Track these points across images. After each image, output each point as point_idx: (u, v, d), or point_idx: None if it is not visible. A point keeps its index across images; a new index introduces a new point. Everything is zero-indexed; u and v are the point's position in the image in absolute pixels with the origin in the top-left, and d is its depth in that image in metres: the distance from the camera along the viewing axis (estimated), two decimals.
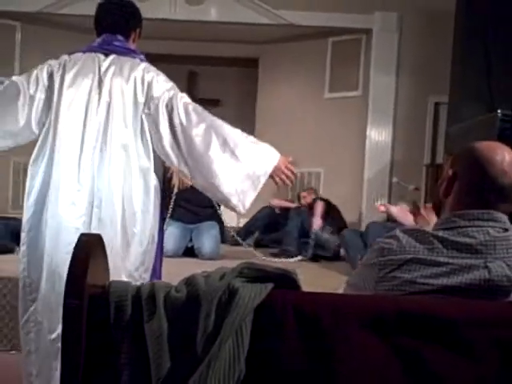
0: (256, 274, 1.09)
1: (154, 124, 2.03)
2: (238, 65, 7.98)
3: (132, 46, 2.22)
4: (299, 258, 5.02)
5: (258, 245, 5.67)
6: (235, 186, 2.02)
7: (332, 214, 5.65)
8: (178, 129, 2.02)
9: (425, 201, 6.35)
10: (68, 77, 2.05)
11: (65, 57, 2.12)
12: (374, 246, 1.29)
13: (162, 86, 2.06)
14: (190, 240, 5.15)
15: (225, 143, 2.01)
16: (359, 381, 1.04)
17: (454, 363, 1.05)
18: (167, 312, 1.04)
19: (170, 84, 2.10)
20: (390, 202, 6.68)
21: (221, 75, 8.18)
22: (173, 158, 2.04)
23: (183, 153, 2.03)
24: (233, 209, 2.07)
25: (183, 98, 2.07)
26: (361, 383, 1.04)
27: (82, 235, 1.09)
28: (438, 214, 1.36)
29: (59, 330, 1.91)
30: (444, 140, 5.79)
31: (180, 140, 2.02)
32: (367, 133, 6.70)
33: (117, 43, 2.15)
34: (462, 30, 5.27)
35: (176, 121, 2.02)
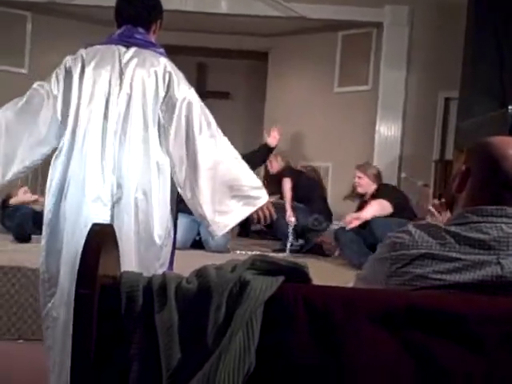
0: (267, 267, 1.09)
1: (168, 123, 2.04)
2: (247, 58, 7.95)
3: (152, 38, 2.21)
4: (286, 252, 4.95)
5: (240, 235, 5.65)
6: (216, 208, 2.06)
7: (300, 183, 5.48)
8: (191, 142, 2.04)
9: (433, 197, 6.33)
10: (88, 69, 2.05)
11: (82, 51, 2.12)
12: (385, 241, 1.28)
13: (183, 88, 2.07)
14: (198, 233, 5.16)
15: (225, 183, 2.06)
16: (369, 375, 1.04)
17: (464, 358, 1.05)
18: (178, 303, 1.04)
19: (190, 88, 2.10)
20: None
21: (230, 68, 8.16)
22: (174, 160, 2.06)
23: (186, 162, 2.05)
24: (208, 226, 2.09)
25: (202, 110, 2.08)
26: (370, 377, 1.04)
27: (94, 225, 1.10)
28: (451, 210, 1.35)
29: None
30: (454, 136, 5.76)
31: (188, 151, 2.04)
32: (376, 128, 6.68)
33: (138, 36, 2.15)
34: (473, 25, 5.23)
35: (190, 134, 2.04)
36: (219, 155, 2.06)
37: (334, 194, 7.13)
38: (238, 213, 2.09)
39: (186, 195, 2.06)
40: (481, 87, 5.04)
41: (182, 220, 4.96)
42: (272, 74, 7.55)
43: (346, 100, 6.91)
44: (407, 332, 1.05)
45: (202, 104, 2.11)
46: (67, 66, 2.08)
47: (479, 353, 1.04)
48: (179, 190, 2.08)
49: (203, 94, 5.80)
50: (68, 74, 2.07)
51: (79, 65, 2.06)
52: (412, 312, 1.06)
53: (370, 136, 6.75)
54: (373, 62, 6.78)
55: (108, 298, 1.04)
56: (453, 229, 1.23)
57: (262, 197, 2.12)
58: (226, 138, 2.12)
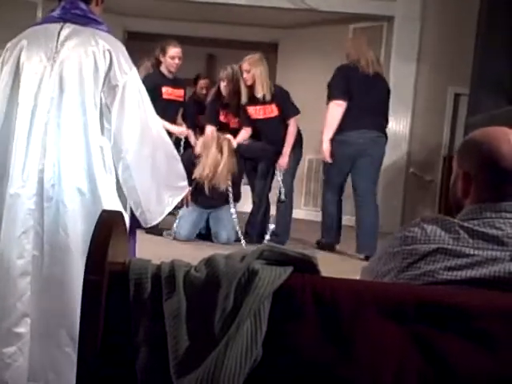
0: (276, 257, 1.08)
1: (110, 105, 1.96)
2: (257, 49, 7.92)
3: (96, 11, 2.09)
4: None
5: None
6: (152, 197, 2.05)
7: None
8: (132, 127, 1.98)
9: (440, 192, 6.32)
10: (22, 53, 1.96)
11: (18, 36, 2.03)
12: (396, 234, 1.27)
13: (124, 69, 1.98)
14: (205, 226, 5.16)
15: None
16: (376, 368, 1.04)
17: (473, 354, 1.04)
18: (186, 291, 1.04)
19: (132, 69, 2.01)
20: (406, 192, 6.65)
21: (240, 59, 8.12)
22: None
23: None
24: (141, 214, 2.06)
25: (142, 93, 2.01)
26: (378, 371, 1.04)
27: (104, 211, 1.09)
28: (456, 213, 1.34)
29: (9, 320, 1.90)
30: (463, 132, 5.74)
31: (129, 136, 1.98)
32: None
33: (77, 11, 2.02)
34: (485, 20, 5.20)
35: (131, 118, 1.97)
36: (157, 142, 2.04)
37: None
38: (169, 202, 2.10)
39: (121, 179, 2.00)
40: (491, 83, 5.02)
41: (190, 213, 4.97)
42: (281, 65, 7.54)
43: None
44: (416, 326, 1.05)
45: (142, 87, 2.03)
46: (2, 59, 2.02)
47: (489, 349, 1.03)
48: (116, 170, 2.00)
49: (212, 85, 5.81)
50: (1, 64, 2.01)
51: (9, 52, 2.00)
52: (421, 306, 1.05)
53: None
54: (383, 56, 6.76)
55: (116, 284, 1.04)
56: (466, 224, 1.22)
57: (186, 187, 2.20)
58: (159, 122, 2.10)
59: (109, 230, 1.04)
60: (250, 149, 5.11)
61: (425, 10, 6.49)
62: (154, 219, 2.07)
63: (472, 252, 1.17)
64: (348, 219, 7.06)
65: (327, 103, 4.84)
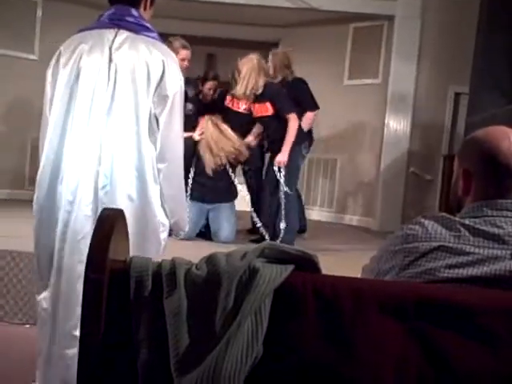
0: (277, 255, 1.08)
1: (159, 115, 1.97)
2: (257, 48, 7.91)
3: (145, 16, 2.08)
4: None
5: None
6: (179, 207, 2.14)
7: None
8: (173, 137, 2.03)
9: (441, 191, 6.32)
10: (70, 58, 1.95)
11: (66, 42, 2.02)
12: (397, 232, 1.28)
13: (175, 79, 1.98)
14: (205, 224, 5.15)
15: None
16: (377, 365, 1.04)
17: (473, 352, 1.04)
18: (187, 289, 1.04)
19: (181, 79, 2.02)
20: (406, 191, 6.65)
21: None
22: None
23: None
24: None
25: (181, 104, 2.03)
26: (378, 368, 1.04)
27: (105, 209, 1.10)
28: (457, 213, 1.35)
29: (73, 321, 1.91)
30: (463, 131, 5.74)
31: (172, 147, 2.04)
32: (385, 121, 6.66)
33: (130, 19, 2.00)
34: (485, 19, 5.20)
35: (174, 128, 2.01)
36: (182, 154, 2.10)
37: (341, 186, 7.14)
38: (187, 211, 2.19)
39: (162, 187, 2.03)
40: (491, 82, 5.02)
41: (192, 209, 4.97)
42: None
43: (355, 93, 6.89)
44: (416, 324, 1.05)
45: (183, 99, 2.05)
46: (55, 59, 2.00)
47: (489, 347, 1.04)
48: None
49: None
50: (53, 72, 2.00)
51: (60, 57, 1.98)
52: (422, 304, 1.06)
53: (379, 129, 6.74)
54: (383, 55, 6.76)
55: (117, 282, 1.04)
56: (467, 222, 1.22)
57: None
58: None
59: (110, 227, 1.04)
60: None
61: (425, 9, 6.48)
62: (186, 226, 2.21)
63: (473, 250, 1.18)
64: (353, 219, 7.07)
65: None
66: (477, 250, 1.17)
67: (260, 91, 4.84)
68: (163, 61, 1.96)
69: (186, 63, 5.15)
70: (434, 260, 1.18)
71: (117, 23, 1.99)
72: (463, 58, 5.85)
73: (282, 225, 4.78)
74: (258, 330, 1.02)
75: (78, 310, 1.86)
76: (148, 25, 2.06)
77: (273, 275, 1.04)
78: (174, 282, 1.05)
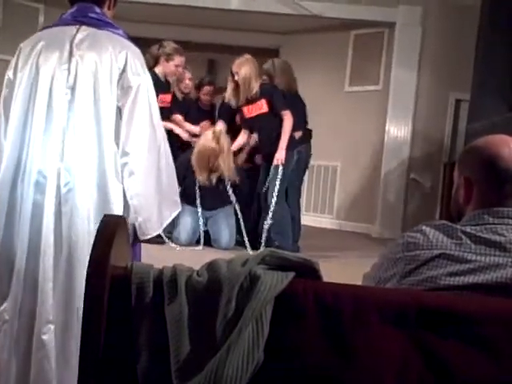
0: (278, 262, 1.08)
1: (122, 108, 1.92)
2: (258, 55, 7.94)
3: (108, 14, 2.05)
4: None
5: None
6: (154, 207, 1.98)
7: None
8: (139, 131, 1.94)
9: (441, 198, 6.32)
10: (27, 57, 1.94)
11: (26, 40, 2.01)
12: (398, 240, 1.28)
13: (138, 72, 1.94)
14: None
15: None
16: (378, 373, 1.04)
17: (475, 360, 1.04)
18: (188, 296, 1.04)
19: (145, 73, 1.98)
20: (406, 199, 6.65)
21: None
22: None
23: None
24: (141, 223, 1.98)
25: (151, 98, 1.98)
26: (379, 376, 1.04)
27: (106, 216, 1.09)
28: (459, 221, 1.35)
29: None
30: (464, 138, 5.75)
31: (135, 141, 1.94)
32: (386, 128, 6.67)
33: (93, 15, 1.97)
34: (486, 26, 5.22)
35: (139, 122, 1.93)
36: (161, 150, 1.99)
37: (342, 193, 7.14)
38: (167, 215, 2.03)
39: (125, 184, 1.94)
40: (492, 89, 5.03)
41: (188, 216, 4.96)
42: None
43: (356, 99, 6.90)
44: (418, 332, 1.05)
45: (153, 92, 1.99)
46: (15, 58, 2.00)
47: (490, 355, 1.03)
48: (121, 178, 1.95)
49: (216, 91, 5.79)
50: (14, 71, 1.98)
51: (19, 55, 1.97)
52: (423, 312, 1.05)
53: (380, 136, 6.74)
54: (384, 61, 6.78)
55: (118, 289, 1.04)
56: (468, 229, 1.22)
57: (179, 202, 2.12)
58: (163, 130, 2.05)
59: (111, 234, 1.04)
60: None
61: (426, 16, 6.50)
62: (154, 230, 1.99)
63: (474, 258, 1.18)
64: (353, 225, 7.06)
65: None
66: (478, 258, 1.17)
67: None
68: (126, 53, 1.93)
69: (180, 70, 5.04)
70: (436, 268, 1.18)
71: (79, 20, 1.97)
72: (464, 65, 5.86)
73: (267, 223, 4.78)
74: (258, 337, 1.01)
75: (43, 312, 1.85)
76: (113, 22, 2.03)
77: (274, 282, 1.04)
78: (175, 289, 1.05)
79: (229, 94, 5.04)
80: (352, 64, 7.01)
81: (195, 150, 4.86)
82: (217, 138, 4.82)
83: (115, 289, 1.04)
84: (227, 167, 4.81)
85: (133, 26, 7.34)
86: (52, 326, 1.88)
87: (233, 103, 5.08)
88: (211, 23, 7.12)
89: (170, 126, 5.00)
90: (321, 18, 6.53)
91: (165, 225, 2.05)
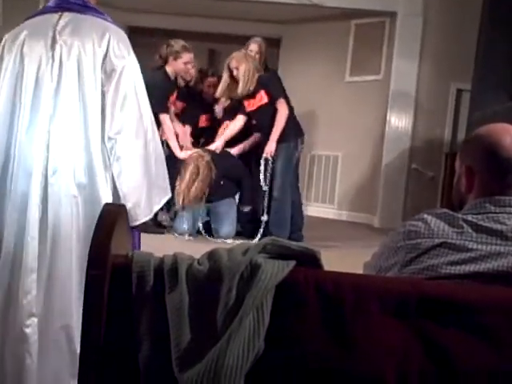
0: (279, 251, 1.08)
1: (106, 92, 1.91)
2: None
3: (92, 0, 2.04)
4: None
5: None
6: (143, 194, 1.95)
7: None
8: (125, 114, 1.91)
9: (443, 188, 6.31)
10: (25, 45, 1.92)
11: (11, 32, 1.99)
12: (399, 229, 1.28)
13: (122, 55, 1.92)
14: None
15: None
16: (378, 362, 1.04)
17: (475, 349, 1.04)
18: (189, 285, 1.04)
19: (130, 55, 1.95)
20: (407, 189, 6.65)
21: None
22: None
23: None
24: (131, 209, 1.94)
25: (138, 81, 1.95)
26: (380, 365, 1.04)
27: (106, 205, 1.09)
28: (460, 210, 1.35)
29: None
30: (465, 128, 5.73)
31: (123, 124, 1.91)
32: (387, 118, 6.65)
33: (76, 0, 1.96)
34: (488, 16, 5.19)
35: (124, 105, 1.91)
36: (149, 135, 1.96)
37: (343, 183, 7.13)
38: (157, 201, 2.01)
39: (113, 170, 1.91)
40: (494, 79, 5.01)
41: (189, 207, 4.97)
42: (283, 61, 7.52)
43: (357, 89, 6.88)
44: (418, 321, 1.05)
45: (140, 75, 1.97)
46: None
47: (491, 344, 1.03)
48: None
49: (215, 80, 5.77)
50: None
51: (4, 47, 1.96)
52: (424, 301, 1.05)
53: (381, 126, 6.73)
54: (385, 51, 6.75)
55: (119, 277, 1.04)
56: (470, 218, 1.22)
57: (169, 189, 2.09)
58: (152, 115, 2.01)
59: (112, 223, 1.03)
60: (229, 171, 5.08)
61: (427, 5, 6.47)
62: (143, 216, 1.94)
63: (475, 246, 1.17)
64: (354, 215, 7.06)
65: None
66: (479, 247, 1.17)
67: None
68: (109, 36, 1.91)
69: (189, 67, 5.00)
70: (437, 256, 1.18)
71: (62, 6, 1.97)
72: (465, 55, 5.84)
73: (264, 218, 4.78)
74: (259, 326, 1.01)
75: (26, 304, 1.83)
76: (97, 7, 2.02)
77: (275, 271, 1.04)
78: (175, 278, 1.04)
79: (222, 90, 5.00)
80: (353, 54, 6.98)
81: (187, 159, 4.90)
82: (206, 164, 4.83)
83: (116, 277, 1.04)
84: (189, 195, 4.81)
85: (133, 15, 7.31)
86: (35, 319, 1.86)
87: (223, 100, 5.07)
88: (212, 12, 7.09)
89: (167, 135, 4.99)
90: (322, 8, 6.50)
91: (154, 211, 2.02)
